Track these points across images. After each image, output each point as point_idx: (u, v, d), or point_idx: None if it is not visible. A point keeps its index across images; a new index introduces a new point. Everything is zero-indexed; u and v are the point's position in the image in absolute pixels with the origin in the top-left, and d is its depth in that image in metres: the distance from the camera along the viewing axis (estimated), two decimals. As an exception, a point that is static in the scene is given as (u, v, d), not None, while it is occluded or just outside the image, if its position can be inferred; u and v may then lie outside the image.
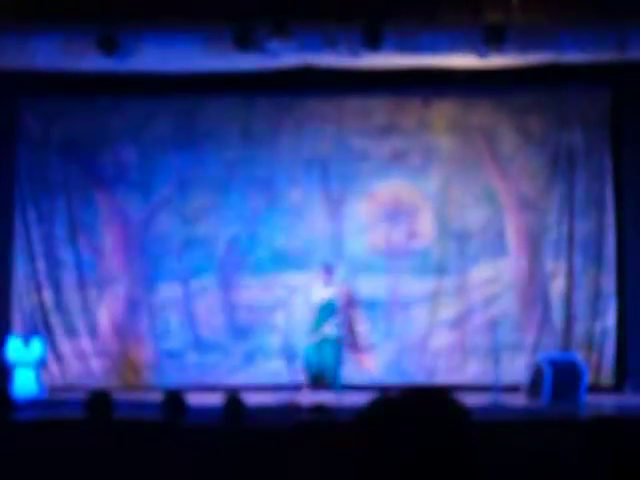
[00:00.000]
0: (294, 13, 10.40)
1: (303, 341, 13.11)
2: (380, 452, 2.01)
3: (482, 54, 11.03)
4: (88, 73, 12.12)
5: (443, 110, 14.01)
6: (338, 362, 12.55)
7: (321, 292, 12.84)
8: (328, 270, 13.02)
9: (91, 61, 11.31)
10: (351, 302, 13.15)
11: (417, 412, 2.03)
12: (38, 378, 12.51)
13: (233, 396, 7.33)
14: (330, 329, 12.54)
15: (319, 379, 12.55)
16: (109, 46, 10.86)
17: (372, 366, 13.35)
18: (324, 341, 12.55)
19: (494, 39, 10.63)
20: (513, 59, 11.51)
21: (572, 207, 13.96)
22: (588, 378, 12.48)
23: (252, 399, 7.95)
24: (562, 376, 11.85)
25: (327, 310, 12.60)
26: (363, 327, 13.30)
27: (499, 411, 11.18)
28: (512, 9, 10.00)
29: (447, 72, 12.16)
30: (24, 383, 12.22)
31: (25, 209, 13.95)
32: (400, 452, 1.98)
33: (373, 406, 2.07)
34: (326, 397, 11.27)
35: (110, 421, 7.11)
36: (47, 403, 11.89)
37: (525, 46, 11.09)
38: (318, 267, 13.34)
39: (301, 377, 12.84)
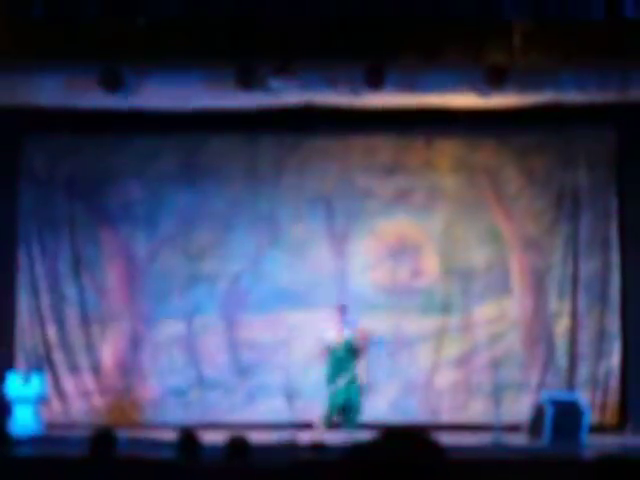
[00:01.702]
0: (296, 52, 10.45)
1: (306, 379, 13.05)
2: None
3: (484, 94, 11.07)
4: (92, 111, 12.19)
5: (447, 149, 14.06)
6: (360, 402, 12.34)
7: (337, 334, 12.38)
8: (342, 310, 12.56)
9: (95, 99, 11.38)
10: (366, 344, 12.65)
11: (389, 454, 2.05)
12: (37, 415, 12.47)
13: (237, 435, 7.33)
14: (354, 370, 12.26)
15: (341, 419, 12.32)
16: (113, 84, 10.92)
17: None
18: (350, 382, 12.28)
19: (496, 79, 10.67)
20: (515, 99, 11.56)
21: (577, 247, 13.96)
22: (592, 418, 12.42)
23: (254, 437, 7.92)
24: (563, 416, 11.78)
25: (342, 352, 12.26)
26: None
27: (500, 450, 11.13)
28: (514, 50, 10.05)
29: (450, 111, 12.21)
30: (23, 419, 12.19)
31: (29, 245, 13.96)
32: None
33: (352, 450, 2.10)
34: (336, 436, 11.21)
35: (113, 459, 7.11)
36: (48, 440, 11.86)
37: (527, 87, 11.14)
38: (329, 307, 13.21)
39: (310, 416, 12.74)
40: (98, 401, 13.83)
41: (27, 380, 12.62)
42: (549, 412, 11.86)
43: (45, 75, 11.16)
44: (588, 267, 13.90)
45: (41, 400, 12.70)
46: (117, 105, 11.78)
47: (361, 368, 12.40)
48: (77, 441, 9.62)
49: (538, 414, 12.13)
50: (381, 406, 13.53)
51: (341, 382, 12.15)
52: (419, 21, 10.36)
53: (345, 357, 12.24)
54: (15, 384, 12.54)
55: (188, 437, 7.46)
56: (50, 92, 11.29)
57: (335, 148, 14.07)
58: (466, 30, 10.44)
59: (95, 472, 6.83)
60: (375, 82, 10.70)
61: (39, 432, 12.28)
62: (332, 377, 12.24)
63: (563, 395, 12.72)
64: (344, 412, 12.25)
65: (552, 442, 11.63)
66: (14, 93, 11.40)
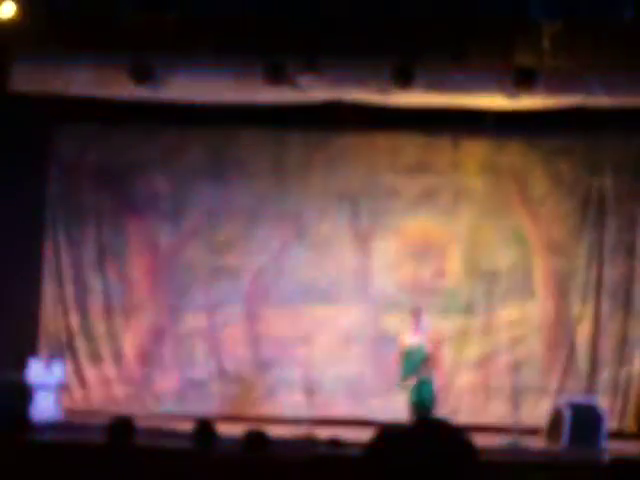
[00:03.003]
0: (325, 49, 10.48)
1: (326, 375, 13.05)
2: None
3: (512, 96, 11.06)
4: (122, 102, 12.26)
5: (474, 150, 14.03)
6: (433, 402, 11.93)
7: (410, 338, 12.01)
8: (416, 314, 12.15)
9: (125, 90, 11.46)
10: (439, 349, 12.32)
11: (415, 442, 2.04)
12: (57, 401, 12.56)
13: (255, 429, 7.36)
14: (425, 372, 11.99)
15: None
16: (142, 76, 10.99)
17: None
18: (422, 383, 12.01)
19: (524, 81, 10.66)
20: (543, 102, 11.53)
21: (601, 252, 13.90)
22: (612, 424, 12.36)
23: (272, 431, 7.95)
24: (582, 420, 11.74)
25: (418, 355, 11.85)
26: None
27: (518, 453, 11.11)
28: (543, 52, 10.03)
29: (477, 112, 12.19)
30: (43, 406, 12.26)
31: (56, 234, 14.08)
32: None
33: (375, 440, 2.09)
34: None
35: (130, 447, 7.15)
36: (67, 427, 11.93)
37: (555, 89, 11.11)
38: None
39: (329, 411, 12.72)
40: (118, 390, 13.92)
41: (48, 367, 12.71)
42: (567, 416, 11.81)
43: (77, 66, 11.25)
44: (612, 273, 13.84)
45: (61, 387, 12.79)
46: (146, 97, 11.84)
47: (437, 371, 12.12)
48: (96, 429, 9.70)
49: (556, 418, 12.10)
50: (398, 405, 13.48)
51: (410, 382, 11.92)
52: (448, 21, 10.36)
53: (418, 361, 12.00)
54: (36, 371, 12.62)
55: (204, 428, 7.51)
56: (81, 82, 11.38)
57: (362, 146, 14.08)
58: (495, 31, 10.44)
59: (113, 459, 6.88)
60: (403, 81, 10.71)
61: (59, 418, 12.38)
62: (404, 379, 12.03)
63: (582, 399, 12.67)
64: (421, 412, 12.02)
65: (570, 446, 11.59)
66: (46, 83, 11.52)
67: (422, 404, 11.95)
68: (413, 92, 11.16)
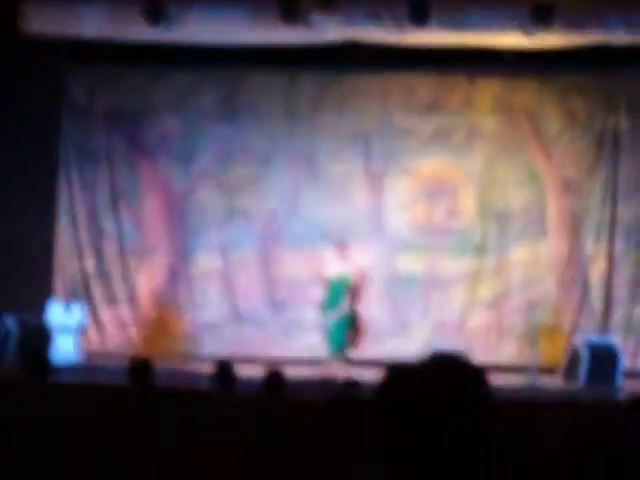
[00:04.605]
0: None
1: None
2: (396, 426, 1.95)
3: (529, 33, 10.93)
4: (134, 43, 12.17)
5: (488, 89, 13.92)
6: (344, 335, 12.25)
7: (335, 268, 12.34)
8: (342, 247, 12.48)
9: (137, 31, 11.36)
10: (365, 283, 12.52)
11: (429, 381, 1.98)
12: (76, 344, 12.63)
13: (273, 370, 7.39)
14: (346, 305, 12.24)
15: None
16: (156, 16, 10.89)
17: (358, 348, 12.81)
18: (342, 316, 12.25)
19: (542, 18, 10.53)
20: (560, 39, 11.40)
21: (615, 191, 13.84)
22: (625, 362, 12.40)
23: (289, 372, 7.98)
24: (599, 359, 11.80)
25: (342, 286, 12.22)
26: (368, 310, 12.71)
27: (535, 392, 11.16)
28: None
29: (493, 51, 12.06)
30: (63, 348, 12.33)
31: (69, 177, 14.06)
32: (415, 424, 1.92)
33: (386, 379, 2.02)
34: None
35: (151, 389, 7.19)
36: (87, 369, 12.01)
37: (573, 26, 10.98)
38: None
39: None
40: (134, 332, 13.97)
41: (67, 309, 12.76)
42: (585, 355, 11.86)
43: (89, 6, 11.15)
44: (626, 211, 13.79)
45: (81, 329, 12.85)
46: (159, 38, 11.74)
47: (360, 304, 12.32)
48: (115, 371, 9.76)
49: (573, 357, 12.15)
50: (413, 346, 13.53)
51: (333, 315, 12.15)
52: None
53: (341, 290, 12.19)
54: (56, 314, 12.67)
55: (224, 369, 7.54)
56: (94, 23, 11.29)
57: (375, 86, 13.98)
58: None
59: (134, 401, 6.91)
60: (419, 19, 10.59)
61: (78, 361, 12.45)
62: (326, 309, 12.25)
63: (598, 339, 12.71)
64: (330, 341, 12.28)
65: (588, 385, 11.66)
66: (58, 23, 11.42)
67: (334, 343, 12.06)
68: (428, 30, 11.04)
